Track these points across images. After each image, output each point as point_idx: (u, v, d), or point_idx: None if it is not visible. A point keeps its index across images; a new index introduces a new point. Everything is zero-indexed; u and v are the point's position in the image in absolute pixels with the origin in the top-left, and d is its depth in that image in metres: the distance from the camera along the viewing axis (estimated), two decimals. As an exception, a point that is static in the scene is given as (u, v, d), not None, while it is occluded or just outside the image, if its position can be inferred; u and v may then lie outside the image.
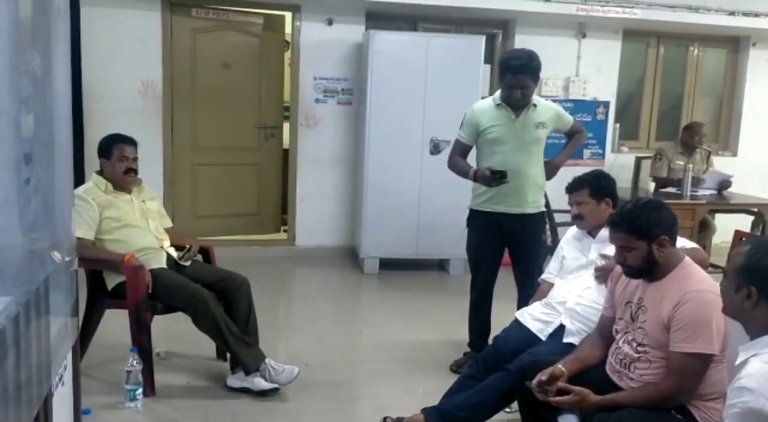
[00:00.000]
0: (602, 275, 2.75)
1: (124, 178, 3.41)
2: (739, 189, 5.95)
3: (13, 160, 1.60)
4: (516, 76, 3.41)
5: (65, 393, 2.17)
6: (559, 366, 2.38)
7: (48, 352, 1.85)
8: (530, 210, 3.60)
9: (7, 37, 1.54)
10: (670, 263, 2.27)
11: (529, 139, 3.53)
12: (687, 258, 2.30)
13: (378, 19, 6.02)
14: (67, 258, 2.11)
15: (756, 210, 5.55)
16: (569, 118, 3.78)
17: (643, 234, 2.25)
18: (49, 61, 1.92)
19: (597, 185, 2.97)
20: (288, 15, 6.11)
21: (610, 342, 2.46)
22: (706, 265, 2.48)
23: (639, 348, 2.27)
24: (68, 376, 2.21)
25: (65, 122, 2.09)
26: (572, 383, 2.33)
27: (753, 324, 1.73)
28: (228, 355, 3.41)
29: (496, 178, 3.45)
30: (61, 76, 2.05)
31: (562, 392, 2.29)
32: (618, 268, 2.46)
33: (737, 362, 1.71)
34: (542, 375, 2.31)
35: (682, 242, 2.55)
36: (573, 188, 3.02)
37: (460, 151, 3.73)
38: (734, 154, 6.84)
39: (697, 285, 2.18)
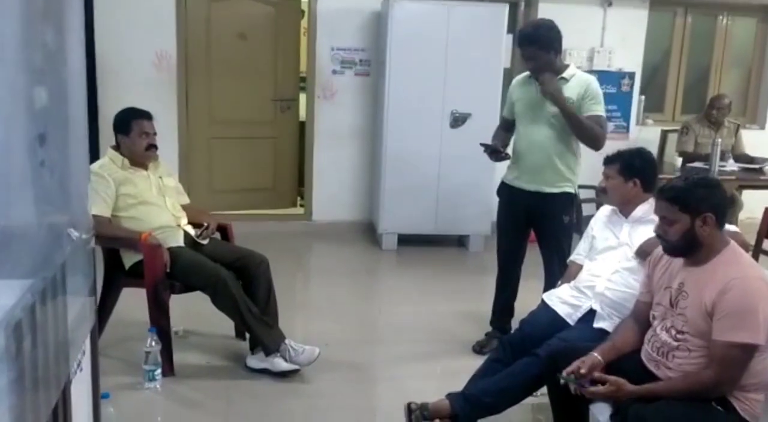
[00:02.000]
0: (643, 252, 2.63)
1: (145, 154, 3.34)
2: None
3: (27, 141, 1.51)
4: (522, 47, 3.38)
5: (84, 379, 2.11)
6: (595, 354, 2.29)
7: (66, 338, 1.78)
8: (548, 189, 3.44)
9: (18, 11, 1.45)
10: (715, 246, 2.15)
11: (549, 113, 3.37)
12: (733, 243, 2.19)
13: (397, -12, 5.84)
14: (84, 236, 2.04)
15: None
16: (596, 107, 3.35)
17: (687, 206, 2.14)
18: (62, 35, 1.82)
19: (629, 163, 2.84)
20: (305, -17, 5.95)
21: (645, 328, 2.36)
22: (747, 249, 2.37)
23: (678, 336, 2.17)
24: (86, 362, 2.15)
25: (80, 98, 2.00)
26: (606, 372, 2.25)
27: None
28: (247, 335, 3.36)
29: (488, 152, 3.52)
30: (75, 50, 1.95)
31: (595, 381, 2.20)
32: (657, 252, 2.35)
33: None
34: (580, 367, 2.22)
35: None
36: (607, 160, 2.91)
37: (502, 123, 3.74)
38: (762, 127, 6.65)
39: (743, 271, 2.07)
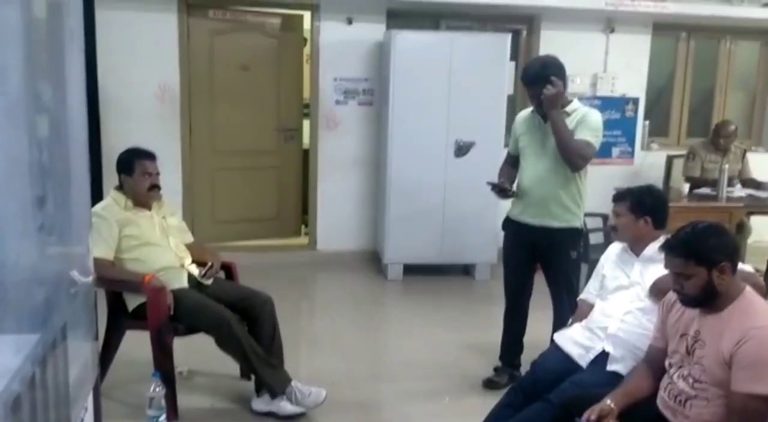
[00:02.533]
0: (657, 293, 2.58)
1: (148, 195, 3.31)
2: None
3: (26, 204, 1.48)
4: (529, 87, 3.35)
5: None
6: (608, 401, 2.23)
7: (67, 400, 1.74)
8: (554, 223, 3.39)
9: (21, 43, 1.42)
10: (731, 293, 2.11)
11: (551, 147, 3.33)
12: (748, 288, 2.14)
13: (399, 17, 5.85)
14: (85, 285, 2.00)
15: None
16: (587, 132, 3.28)
17: (702, 259, 2.09)
18: (63, 91, 1.80)
19: (639, 200, 2.80)
20: (306, 14, 5.96)
21: (659, 374, 2.31)
22: (764, 292, 2.32)
23: (696, 385, 2.12)
24: (89, 418, 2.10)
25: (81, 135, 1.97)
26: (621, 420, 2.19)
27: None
28: (252, 375, 3.30)
29: (496, 191, 3.52)
30: (76, 101, 1.93)
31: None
32: (670, 297, 2.30)
33: None
34: (591, 415, 2.16)
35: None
36: (616, 198, 2.88)
37: (508, 159, 3.70)
38: (768, 150, 6.62)
39: (761, 320, 2.02)
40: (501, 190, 3.49)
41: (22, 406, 1.35)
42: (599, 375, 2.59)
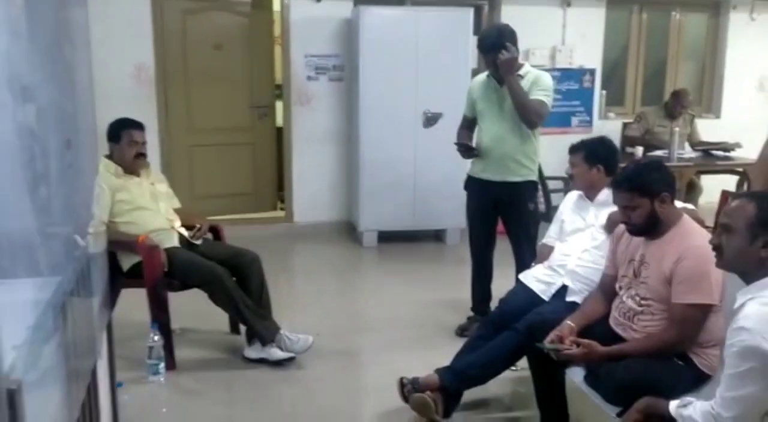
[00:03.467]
0: (611, 226, 2.85)
1: (134, 162, 3.50)
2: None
3: (60, 144, 1.69)
4: (487, 54, 3.61)
5: (103, 365, 2.29)
6: (568, 322, 2.53)
7: (93, 326, 1.96)
8: (514, 178, 3.71)
9: (49, 33, 1.63)
10: (670, 220, 2.41)
11: (508, 108, 3.63)
12: (685, 216, 2.45)
13: (366, -6, 6.06)
14: (99, 245, 2.22)
15: (741, 170, 5.72)
16: (541, 93, 3.59)
17: (645, 191, 2.38)
18: (73, 50, 2.00)
19: (592, 150, 3.09)
20: (276, -7, 6.15)
21: (611, 298, 2.61)
22: (702, 224, 2.63)
23: (642, 302, 2.42)
24: (104, 351, 2.33)
25: (89, 108, 2.18)
26: (579, 337, 2.48)
27: (757, 273, 1.85)
28: (243, 328, 3.55)
29: (461, 150, 3.82)
30: (84, 64, 2.14)
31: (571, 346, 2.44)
32: (619, 229, 2.60)
33: (735, 306, 1.85)
34: (556, 333, 2.46)
35: (678, 204, 2.70)
36: (572, 149, 3.16)
37: (464, 122, 3.96)
38: (717, 116, 7.01)
39: (696, 240, 2.32)
40: (467, 149, 3.78)
41: (64, 316, 1.57)
42: (559, 306, 2.89)
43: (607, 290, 2.64)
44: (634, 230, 2.47)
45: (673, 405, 1.93)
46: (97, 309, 2.05)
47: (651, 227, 2.42)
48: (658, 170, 2.43)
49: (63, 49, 1.82)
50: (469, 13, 5.59)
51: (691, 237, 2.35)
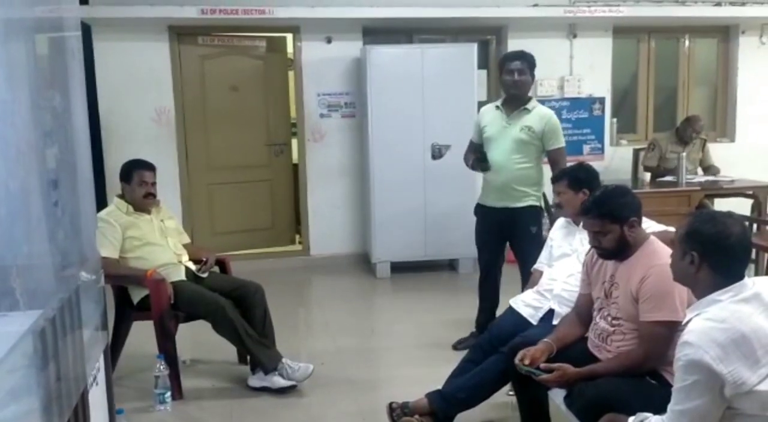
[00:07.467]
0: None
1: (143, 201, 3.70)
2: (738, 174, 6.10)
3: (42, 185, 1.86)
4: (512, 61, 3.91)
5: (100, 392, 2.43)
6: (545, 339, 2.61)
7: (82, 353, 2.11)
8: (516, 204, 3.92)
9: (28, 79, 1.81)
10: (638, 242, 2.48)
11: (512, 138, 3.88)
12: (652, 237, 2.52)
13: (374, 34, 6.28)
14: (93, 277, 2.38)
15: (751, 193, 5.70)
16: (557, 140, 3.92)
17: (615, 217, 2.47)
18: (67, 98, 2.20)
19: (575, 177, 3.19)
20: (289, 36, 6.40)
21: (586, 319, 2.68)
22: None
23: (614, 322, 2.49)
24: (101, 378, 2.47)
25: (85, 152, 2.36)
26: (556, 359, 2.55)
27: (698, 288, 1.93)
28: (248, 358, 3.67)
29: (475, 160, 4.08)
30: (79, 111, 2.32)
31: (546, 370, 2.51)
32: (591, 253, 2.68)
33: (683, 322, 1.92)
34: (525, 351, 2.53)
35: (651, 224, 2.77)
36: (555, 179, 3.27)
37: (471, 148, 4.21)
38: (732, 140, 6.99)
39: (659, 259, 2.38)
40: (481, 160, 4.00)
41: (46, 337, 1.72)
42: (546, 329, 2.93)
43: (581, 311, 2.72)
44: (605, 254, 2.55)
45: (631, 420, 1.99)
46: (88, 337, 2.20)
47: (620, 251, 2.50)
48: (624, 196, 2.51)
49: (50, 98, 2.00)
50: (473, 48, 5.75)
51: (655, 257, 2.41)
